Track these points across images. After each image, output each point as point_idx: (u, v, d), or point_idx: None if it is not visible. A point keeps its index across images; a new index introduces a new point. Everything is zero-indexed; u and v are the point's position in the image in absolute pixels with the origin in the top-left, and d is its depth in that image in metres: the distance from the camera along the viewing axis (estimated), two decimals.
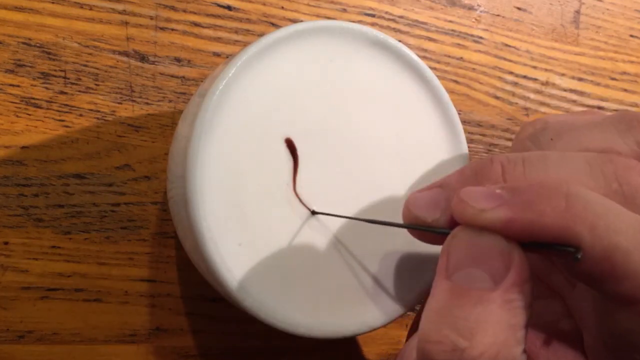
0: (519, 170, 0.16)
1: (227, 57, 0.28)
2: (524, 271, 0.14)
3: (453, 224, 0.16)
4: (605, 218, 0.14)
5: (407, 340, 0.23)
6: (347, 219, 0.22)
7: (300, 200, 0.22)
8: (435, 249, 0.24)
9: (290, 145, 0.22)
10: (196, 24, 0.29)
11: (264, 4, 0.30)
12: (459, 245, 0.15)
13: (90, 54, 0.27)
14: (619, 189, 0.15)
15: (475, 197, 0.15)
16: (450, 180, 0.17)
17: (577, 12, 0.37)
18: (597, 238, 0.14)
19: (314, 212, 0.22)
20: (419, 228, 0.17)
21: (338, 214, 0.22)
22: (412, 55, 0.24)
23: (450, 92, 0.33)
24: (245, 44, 0.28)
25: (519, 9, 0.36)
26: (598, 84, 0.37)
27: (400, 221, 0.18)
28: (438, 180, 0.18)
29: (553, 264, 0.20)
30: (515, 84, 0.35)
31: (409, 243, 0.24)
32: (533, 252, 0.15)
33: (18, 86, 0.26)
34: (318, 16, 0.31)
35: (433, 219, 0.17)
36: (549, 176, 0.16)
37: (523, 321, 0.14)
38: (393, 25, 0.32)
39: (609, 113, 0.21)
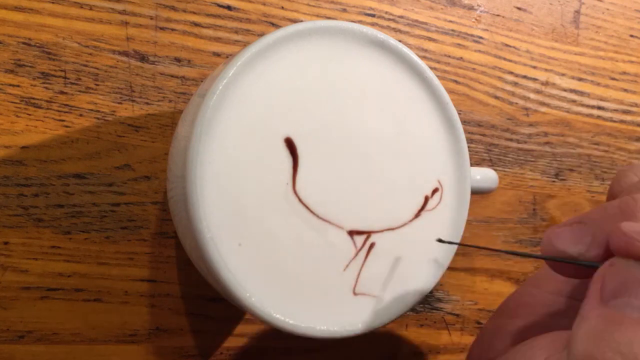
0: None
1: (227, 57, 0.28)
2: None
3: (600, 257, 0.17)
4: None
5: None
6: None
7: (300, 200, 0.22)
8: (436, 248, 0.24)
9: (290, 145, 0.22)
10: (196, 24, 0.29)
11: (264, 4, 0.30)
12: (617, 274, 0.16)
13: (90, 54, 0.27)
14: None
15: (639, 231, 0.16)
16: (593, 216, 0.18)
17: (577, 12, 0.37)
18: None
19: (440, 241, 0.24)
20: (567, 261, 0.18)
21: (461, 242, 0.24)
22: (412, 55, 0.24)
23: (450, 92, 0.33)
24: (245, 44, 0.28)
25: (519, 9, 0.36)
26: (598, 84, 0.37)
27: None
28: (576, 217, 0.18)
29: None
30: (515, 84, 0.35)
31: (409, 242, 0.24)
32: None
33: (18, 86, 0.26)
34: (318, 16, 0.31)
35: (579, 253, 0.17)
36: None
37: None
38: (393, 25, 0.33)
39: None
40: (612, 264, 0.16)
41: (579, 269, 0.17)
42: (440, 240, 0.24)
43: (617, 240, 0.16)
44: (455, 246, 0.25)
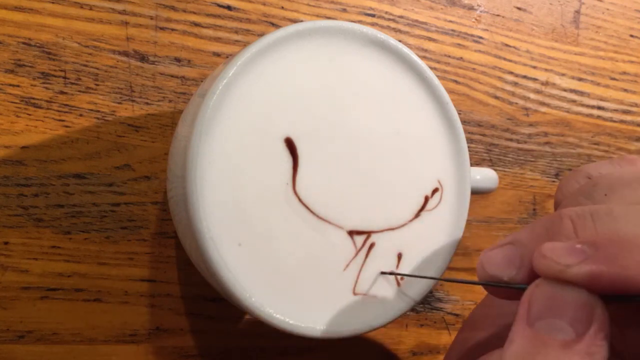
0: (590, 225, 0.17)
1: (227, 57, 0.28)
2: (606, 324, 0.15)
3: (529, 279, 0.17)
4: None
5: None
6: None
7: (300, 200, 0.22)
8: (436, 248, 0.24)
9: (290, 145, 0.22)
10: (196, 24, 0.29)
11: (264, 4, 0.30)
12: (541, 296, 0.16)
13: (90, 54, 0.27)
14: None
15: (558, 253, 0.16)
16: (520, 237, 0.18)
17: (577, 12, 0.37)
18: None
19: (382, 273, 0.23)
20: (496, 285, 0.18)
21: (405, 273, 0.24)
22: (412, 55, 0.24)
23: (450, 92, 0.33)
24: (245, 44, 0.28)
25: (519, 9, 0.36)
26: (598, 84, 0.37)
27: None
28: (507, 238, 0.18)
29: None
30: (515, 84, 0.35)
31: (409, 244, 0.24)
32: (612, 304, 0.16)
33: (18, 86, 0.26)
34: (318, 16, 0.31)
35: (509, 277, 0.17)
36: (620, 230, 0.16)
37: None
38: (393, 25, 0.33)
39: None
40: (537, 285, 0.16)
41: (513, 292, 0.17)
42: (383, 273, 0.23)
43: (537, 263, 0.16)
44: (455, 246, 0.25)
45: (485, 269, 0.18)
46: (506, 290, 0.18)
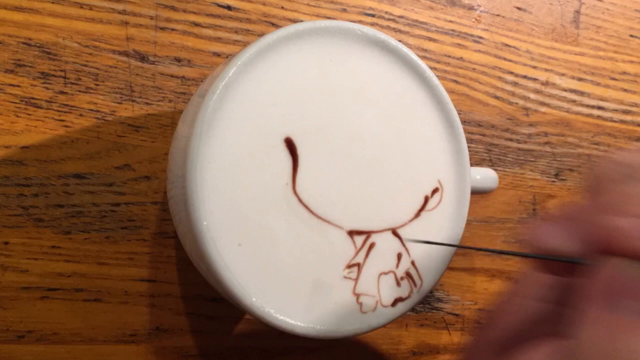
0: None
1: (227, 57, 0.28)
2: None
3: (588, 254, 0.16)
4: None
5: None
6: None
7: (300, 200, 0.22)
8: (435, 248, 0.24)
9: (290, 145, 0.22)
10: (196, 24, 0.29)
11: (264, 4, 0.30)
12: (617, 277, 0.15)
13: (90, 54, 0.27)
14: None
15: (637, 228, 0.15)
16: (579, 212, 0.17)
17: (577, 12, 0.37)
18: None
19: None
20: (554, 259, 0.17)
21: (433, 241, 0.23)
22: (412, 55, 0.24)
23: (450, 92, 0.33)
24: (245, 44, 0.28)
25: (519, 9, 0.36)
26: (598, 84, 0.37)
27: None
28: (561, 212, 0.17)
29: None
30: (515, 84, 0.35)
31: (407, 243, 0.24)
32: None
33: (18, 86, 0.26)
34: (318, 16, 0.31)
35: (571, 250, 0.16)
36: None
37: None
38: (393, 25, 0.32)
39: None
40: (612, 264, 0.15)
41: (565, 266, 0.16)
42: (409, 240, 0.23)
43: (612, 238, 0.15)
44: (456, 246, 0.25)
45: (538, 240, 0.17)
46: (557, 264, 0.16)
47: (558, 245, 0.16)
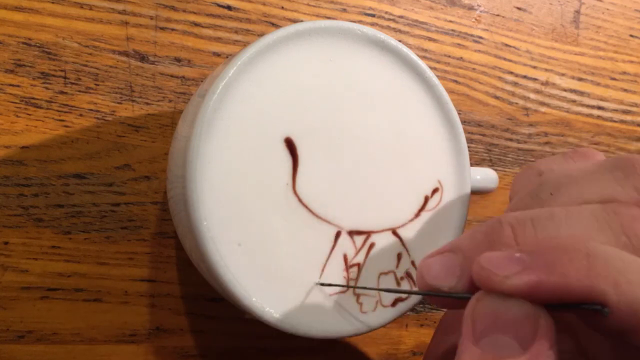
0: (530, 232, 0.16)
1: (227, 57, 0.28)
2: (551, 334, 0.14)
3: (472, 288, 0.16)
4: (626, 273, 0.14)
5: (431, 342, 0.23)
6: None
7: (300, 200, 0.22)
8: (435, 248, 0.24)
9: (290, 145, 0.22)
10: (196, 24, 0.29)
11: (264, 4, 0.30)
12: (484, 311, 0.15)
13: (90, 54, 0.27)
14: (628, 242, 0.16)
15: (497, 263, 0.15)
16: (461, 244, 0.17)
17: (577, 12, 0.37)
18: (621, 294, 0.14)
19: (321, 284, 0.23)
20: (437, 295, 0.17)
21: (342, 284, 0.23)
22: (412, 55, 0.24)
23: (450, 92, 0.33)
24: (245, 44, 0.28)
25: (519, 9, 0.36)
26: (598, 84, 0.37)
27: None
28: (447, 245, 0.17)
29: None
30: (515, 84, 0.35)
31: (409, 244, 0.24)
32: (557, 313, 0.15)
33: (18, 86, 0.26)
34: (318, 16, 0.31)
35: (450, 287, 0.16)
36: (561, 235, 0.16)
37: None
38: (393, 25, 0.33)
39: (600, 156, 0.20)
40: (478, 300, 0.15)
41: (455, 301, 0.16)
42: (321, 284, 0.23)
43: (476, 275, 0.15)
44: None
45: (424, 279, 0.17)
46: (449, 300, 0.17)
47: (440, 282, 0.17)
